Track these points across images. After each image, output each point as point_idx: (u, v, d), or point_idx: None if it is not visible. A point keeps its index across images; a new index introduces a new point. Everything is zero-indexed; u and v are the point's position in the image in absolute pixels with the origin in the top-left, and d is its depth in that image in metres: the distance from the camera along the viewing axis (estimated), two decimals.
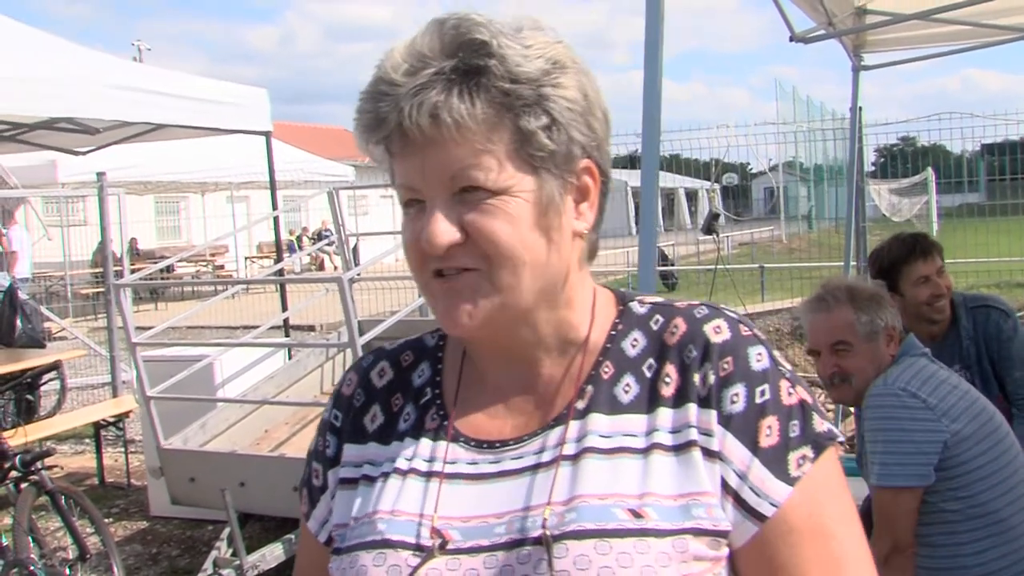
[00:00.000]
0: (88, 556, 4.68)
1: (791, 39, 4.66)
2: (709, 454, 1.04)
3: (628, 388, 1.09)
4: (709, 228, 9.12)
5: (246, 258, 25.09)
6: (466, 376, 1.18)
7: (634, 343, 1.12)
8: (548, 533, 1.00)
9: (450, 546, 1.04)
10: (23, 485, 4.45)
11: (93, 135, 7.74)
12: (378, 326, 5.25)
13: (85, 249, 18.60)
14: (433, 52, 1.02)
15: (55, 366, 6.41)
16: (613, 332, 1.14)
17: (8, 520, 4.40)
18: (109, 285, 8.92)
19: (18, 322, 8.49)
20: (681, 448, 1.04)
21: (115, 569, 4.77)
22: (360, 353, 4.77)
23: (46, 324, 9.60)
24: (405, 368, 1.23)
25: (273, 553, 4.81)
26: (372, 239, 8.12)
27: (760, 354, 1.07)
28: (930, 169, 20.91)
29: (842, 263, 6.94)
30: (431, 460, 1.12)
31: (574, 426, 1.08)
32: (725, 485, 1.03)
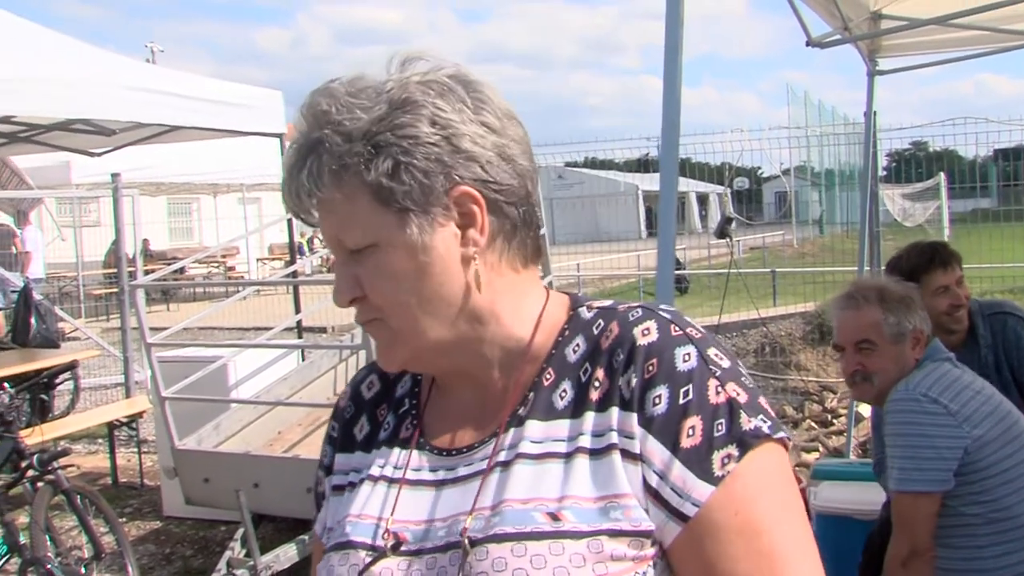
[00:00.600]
0: (103, 555, 4.70)
1: (807, 43, 4.65)
2: (630, 456, 1.04)
3: (564, 394, 1.12)
4: (722, 232, 9.11)
5: (257, 260, 25.14)
6: (435, 388, 1.24)
7: (576, 349, 1.14)
8: (466, 538, 1.05)
9: (403, 547, 1.10)
10: (40, 484, 4.48)
11: (108, 136, 7.79)
12: None
13: (97, 250, 18.68)
14: (302, 132, 1.09)
15: (72, 366, 6.46)
16: (559, 338, 1.16)
17: (25, 518, 4.42)
18: (123, 286, 8.96)
19: (33, 322, 8.54)
20: (602, 452, 1.06)
21: (129, 568, 4.79)
22: (374, 355, 4.79)
23: (59, 324, 9.63)
24: (392, 380, 1.29)
25: (287, 554, 4.82)
26: None
27: (688, 354, 1.07)
28: (942, 174, 20.84)
29: (854, 267, 6.93)
30: (399, 467, 1.18)
31: (511, 433, 1.11)
32: (647, 486, 1.04)
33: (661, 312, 1.13)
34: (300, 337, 8.33)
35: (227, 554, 4.81)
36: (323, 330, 14.56)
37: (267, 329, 8.81)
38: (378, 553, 1.10)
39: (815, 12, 4.69)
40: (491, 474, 1.10)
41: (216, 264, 23.44)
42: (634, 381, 1.07)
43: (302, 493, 5.01)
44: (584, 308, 1.18)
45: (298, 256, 10.58)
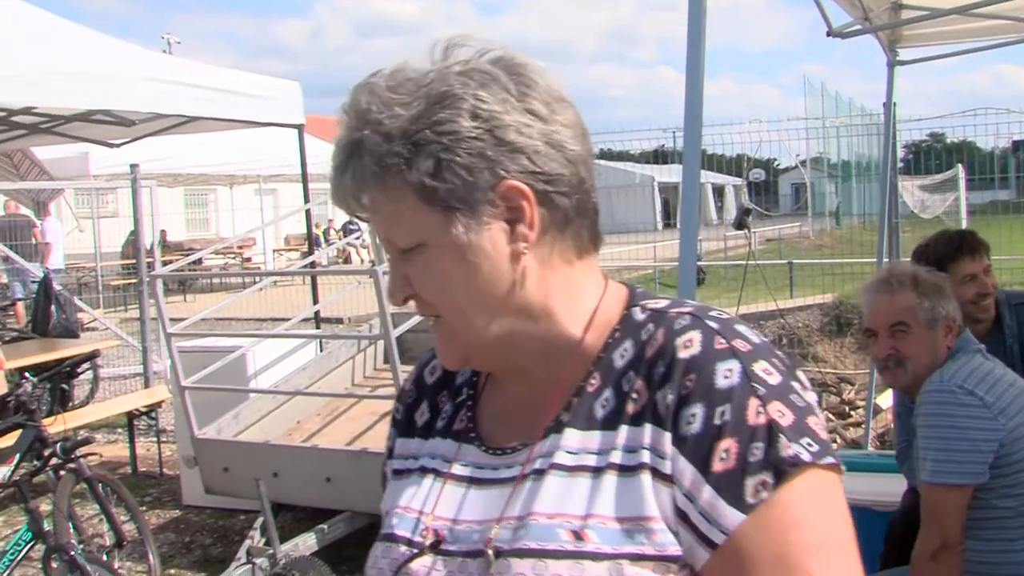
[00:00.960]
0: (124, 543, 4.74)
1: (828, 34, 4.64)
2: (662, 477, 1.00)
3: (607, 403, 1.07)
4: (741, 223, 9.08)
5: (274, 251, 25.23)
6: (489, 380, 1.21)
7: (623, 354, 1.09)
8: (490, 549, 1.03)
9: (442, 546, 1.09)
10: (62, 472, 4.51)
11: (128, 127, 7.83)
12: (411, 319, 5.28)
13: (115, 241, 18.77)
14: (346, 130, 1.07)
15: (94, 355, 6.52)
16: (609, 340, 1.11)
17: (47, 506, 4.46)
18: (142, 276, 9.01)
19: (53, 312, 8.60)
20: (632, 470, 1.01)
21: (150, 556, 4.83)
22: (394, 345, 4.81)
23: (78, 315, 9.69)
24: None
25: (306, 543, 4.85)
26: None
27: (729, 370, 1.01)
28: (960, 165, 20.72)
29: (871, 259, 6.91)
30: (448, 460, 1.17)
31: (549, 440, 1.08)
32: (676, 508, 0.99)
33: (708, 321, 1.06)
34: (318, 327, 8.36)
35: (247, 543, 4.84)
36: (339, 321, 14.59)
37: (284, 320, 8.86)
38: (416, 550, 1.09)
39: (836, 2, 4.67)
40: (524, 482, 1.07)
41: (233, 255, 23.53)
42: (670, 397, 1.01)
43: (321, 482, 5.05)
44: (638, 308, 1.12)
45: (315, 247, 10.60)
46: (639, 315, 1.11)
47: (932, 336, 2.71)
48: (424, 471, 1.18)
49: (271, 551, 4.66)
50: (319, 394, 5.99)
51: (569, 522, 1.01)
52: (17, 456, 4.58)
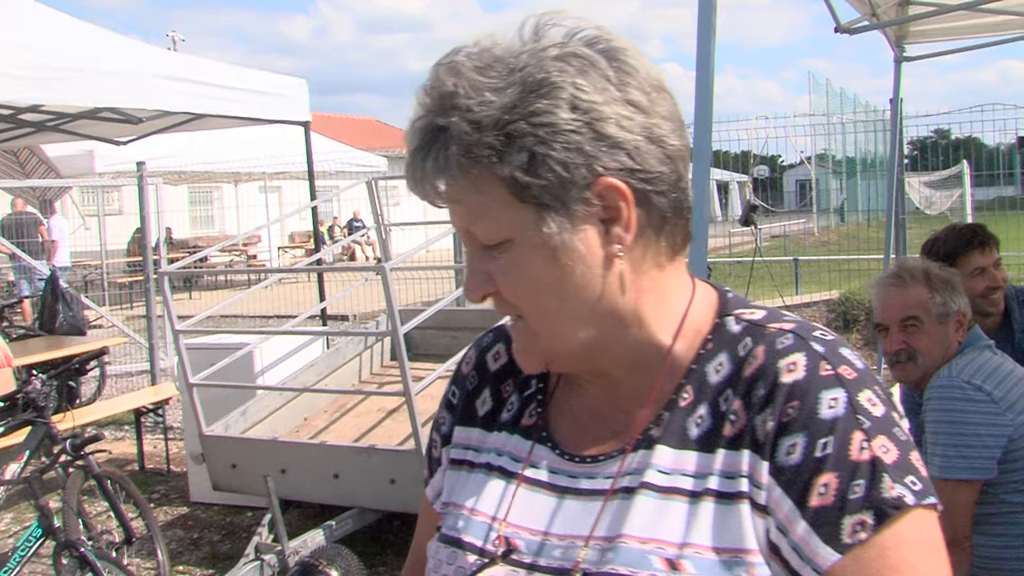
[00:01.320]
0: (133, 539, 4.75)
1: (836, 30, 4.64)
2: (758, 508, 0.95)
3: (700, 421, 1.01)
4: (747, 220, 9.07)
5: (278, 248, 25.25)
6: (568, 377, 1.13)
7: (718, 368, 1.02)
8: (579, 572, 0.97)
9: (514, 556, 1.03)
10: (71, 469, 4.52)
11: (135, 125, 7.83)
12: (419, 315, 5.29)
13: (120, 238, 18.81)
14: (424, 111, 0.99)
15: (102, 352, 6.52)
16: (701, 351, 1.04)
17: (57, 503, 4.47)
18: (148, 274, 9.03)
19: (60, 310, 8.62)
20: (731, 498, 0.96)
21: (159, 553, 4.84)
22: (402, 342, 4.82)
23: (84, 312, 9.72)
24: None
25: (314, 539, 4.86)
26: (399, 229, 8.19)
27: (835, 400, 0.94)
28: (965, 162, 20.69)
29: (877, 255, 6.89)
30: (517, 460, 1.10)
31: (638, 455, 1.02)
32: (769, 541, 0.94)
33: (813, 343, 0.99)
34: (324, 325, 8.37)
35: (255, 539, 4.86)
36: (345, 318, 14.62)
37: (289, 317, 8.87)
38: (487, 559, 1.03)
39: None
40: (612, 499, 1.00)
41: (238, 252, 23.56)
42: (770, 424, 0.95)
43: (329, 479, 5.07)
44: (732, 318, 1.05)
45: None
46: (734, 326, 1.05)
47: (943, 331, 2.71)
48: (491, 468, 1.11)
49: (279, 547, 4.67)
50: (326, 391, 6.00)
51: (663, 549, 0.95)
52: (27, 453, 4.60)
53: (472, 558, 1.04)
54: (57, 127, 8.19)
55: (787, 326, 1.02)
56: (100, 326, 12.11)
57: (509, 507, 1.06)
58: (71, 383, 7.90)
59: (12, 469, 4.55)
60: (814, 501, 0.92)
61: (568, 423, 1.10)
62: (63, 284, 9.15)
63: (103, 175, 14.32)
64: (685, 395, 1.02)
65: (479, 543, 1.05)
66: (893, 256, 6.65)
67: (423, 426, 4.80)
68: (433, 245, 5.90)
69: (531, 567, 1.01)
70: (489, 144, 0.94)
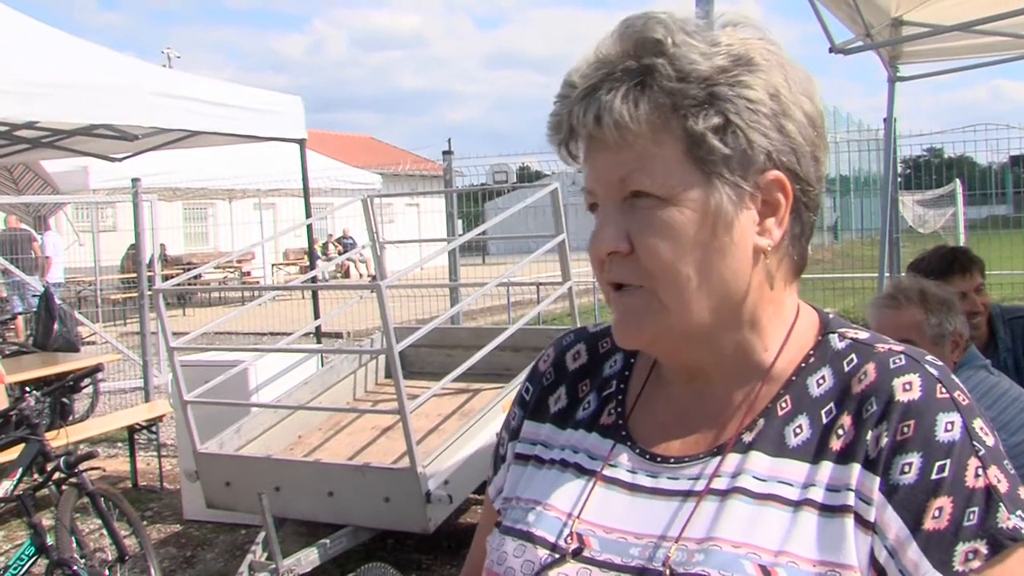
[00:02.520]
0: (127, 557, 4.72)
1: (831, 50, 4.67)
2: (863, 523, 0.93)
3: (799, 430, 1.00)
4: None
5: (272, 265, 25.25)
6: (652, 378, 1.13)
7: (820, 381, 1.02)
8: (668, 572, 0.96)
9: (585, 553, 1.02)
10: (64, 486, 4.50)
11: (131, 142, 7.85)
12: (413, 334, 5.28)
13: (114, 255, 18.79)
14: (612, 54, 0.98)
15: (97, 369, 6.48)
16: (803, 364, 1.04)
17: (50, 520, 4.45)
18: (143, 290, 9.02)
19: (55, 326, 8.60)
20: (834, 510, 0.94)
21: (152, 571, 4.81)
22: (397, 360, 4.81)
23: (78, 328, 9.69)
24: (601, 355, 1.20)
25: (308, 557, 4.84)
26: (393, 247, 8.20)
27: (951, 423, 0.94)
28: (958, 180, 20.76)
29: (871, 273, 6.91)
30: (595, 458, 1.09)
31: (733, 460, 1.01)
32: (873, 560, 0.93)
33: (927, 366, 0.98)
34: (319, 342, 8.36)
35: (248, 557, 4.83)
36: (339, 335, 14.60)
37: (283, 334, 8.86)
38: (559, 555, 1.02)
39: (838, 19, 4.70)
40: (704, 501, 0.99)
41: (232, 269, 23.54)
42: (884, 440, 0.94)
43: (323, 496, 5.05)
44: (836, 335, 1.05)
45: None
46: (837, 343, 1.05)
47: (939, 352, 2.70)
48: (565, 465, 1.10)
49: (273, 566, 4.65)
50: (321, 408, 5.99)
51: (758, 555, 0.93)
52: (20, 470, 4.58)
53: (542, 552, 1.04)
54: (52, 143, 8.21)
55: (897, 347, 1.02)
56: (94, 343, 12.07)
57: (584, 504, 1.05)
58: (65, 400, 7.87)
59: (5, 486, 4.52)
60: (928, 524, 0.92)
61: (649, 423, 1.10)
62: (57, 300, 9.13)
63: (98, 191, 14.33)
64: (783, 405, 1.02)
65: (551, 538, 1.04)
66: (887, 274, 6.67)
67: (418, 444, 4.79)
68: (428, 263, 5.90)
69: (603, 564, 1.01)
70: (693, 96, 0.94)
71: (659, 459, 1.06)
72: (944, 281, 3.36)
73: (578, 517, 1.05)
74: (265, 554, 4.81)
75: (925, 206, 25.89)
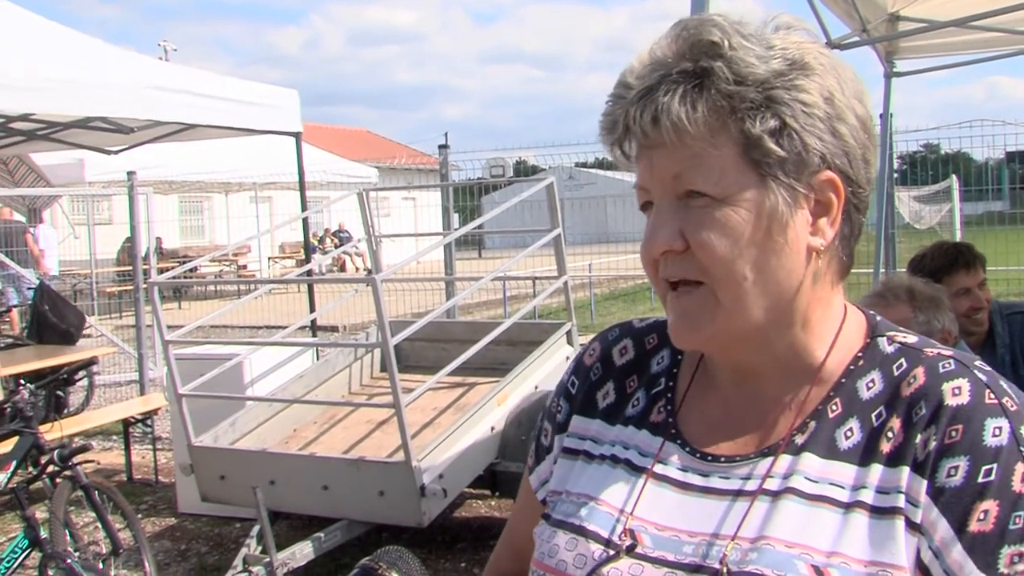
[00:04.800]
0: (121, 551, 4.72)
1: (827, 45, 4.67)
2: (911, 525, 0.95)
3: (850, 433, 1.01)
4: None
5: (269, 258, 25.22)
6: (700, 375, 1.15)
7: (870, 385, 1.03)
8: (726, 569, 0.97)
9: (638, 549, 1.03)
10: (59, 480, 4.50)
11: (127, 134, 7.83)
12: (409, 328, 5.28)
13: (109, 248, 18.75)
14: (668, 55, 1.00)
15: (91, 362, 6.51)
16: (852, 366, 1.05)
17: (44, 513, 4.45)
18: (138, 284, 9.00)
19: (49, 319, 8.57)
20: (884, 512, 0.96)
21: (147, 564, 4.81)
22: (392, 354, 4.81)
23: (76, 318, 9.66)
24: (648, 351, 1.21)
25: (303, 551, 4.84)
26: (389, 240, 8.19)
27: (999, 428, 0.95)
28: (954, 176, 20.79)
29: (866, 269, 6.91)
30: (645, 455, 1.11)
31: (784, 460, 1.02)
32: (919, 561, 0.94)
33: (976, 371, 1.00)
34: (314, 336, 8.35)
35: (243, 551, 4.83)
36: (334, 329, 14.60)
37: (279, 327, 8.85)
38: (613, 552, 1.04)
39: (834, 14, 4.70)
40: (756, 501, 1.00)
41: (228, 263, 23.52)
42: (932, 444, 0.96)
43: (318, 490, 5.05)
44: (884, 339, 1.07)
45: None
46: (886, 346, 1.06)
47: None
48: (616, 461, 1.12)
49: (267, 559, 4.65)
50: (316, 402, 5.99)
51: (810, 556, 0.95)
52: (14, 463, 4.58)
53: (596, 547, 1.05)
54: (48, 136, 8.19)
55: (946, 352, 1.03)
56: (89, 335, 12.05)
57: (637, 501, 1.07)
58: (59, 393, 7.85)
59: None
60: (973, 526, 0.93)
61: (698, 422, 1.11)
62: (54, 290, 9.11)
63: (93, 184, 14.29)
64: (834, 407, 1.03)
65: (604, 534, 1.06)
66: (883, 270, 6.67)
67: (412, 438, 4.79)
68: (424, 257, 5.90)
69: (655, 561, 1.02)
70: (750, 99, 0.96)
71: (709, 458, 1.07)
72: (948, 277, 3.35)
73: (631, 514, 1.06)
74: (260, 548, 4.81)
75: (921, 202, 25.92)
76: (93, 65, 6.28)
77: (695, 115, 0.96)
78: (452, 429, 5.11)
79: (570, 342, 6.22)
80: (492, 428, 5.41)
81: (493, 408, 5.43)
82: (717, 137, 0.97)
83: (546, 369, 5.89)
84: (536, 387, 5.75)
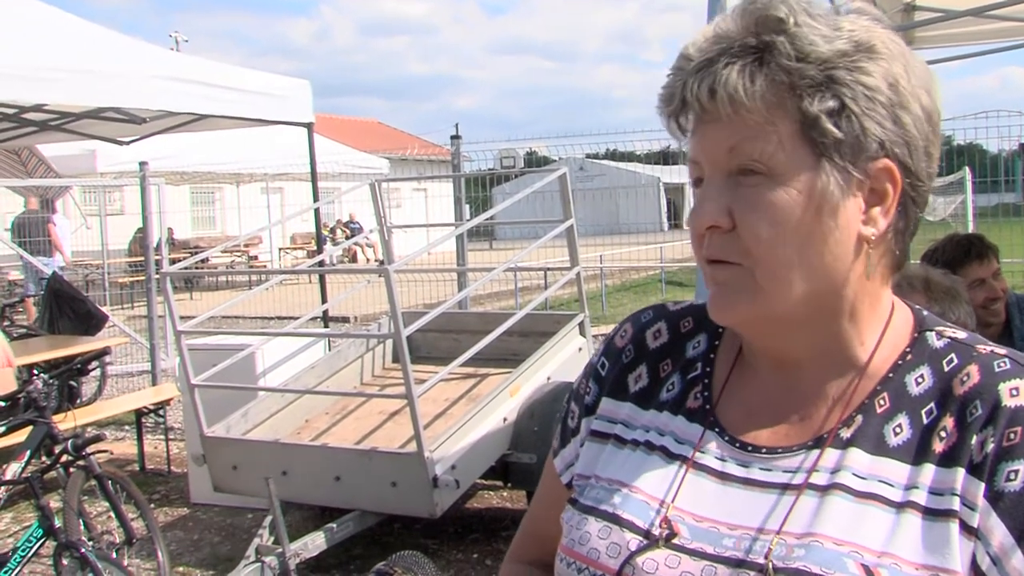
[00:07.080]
0: (134, 540, 4.74)
1: None
2: (967, 529, 0.92)
3: (899, 430, 0.98)
4: None
5: (280, 249, 25.25)
6: (740, 362, 1.11)
7: (919, 380, 1.01)
8: (771, 565, 0.94)
9: (676, 540, 1.00)
10: (72, 469, 4.51)
11: (139, 125, 7.85)
12: (421, 318, 5.28)
13: (121, 238, 18.79)
14: (732, 30, 0.98)
15: (104, 352, 6.50)
16: (899, 361, 1.02)
17: (58, 503, 4.46)
18: (150, 274, 9.02)
19: (63, 309, 8.61)
20: (938, 514, 0.93)
21: (159, 554, 4.83)
22: (404, 344, 4.81)
23: (92, 308, 9.69)
24: (682, 334, 1.18)
25: (315, 541, 4.85)
26: (401, 231, 8.18)
27: None
28: (967, 168, 20.68)
29: None
30: (682, 443, 1.08)
31: (831, 455, 0.99)
32: (975, 566, 0.91)
33: None
34: (326, 326, 8.36)
35: (255, 541, 4.85)
36: (346, 319, 14.61)
37: (290, 318, 8.87)
38: (651, 542, 1.01)
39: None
40: (803, 495, 0.98)
41: (239, 253, 23.56)
42: (990, 446, 0.93)
43: (330, 481, 5.06)
44: (933, 333, 1.04)
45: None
46: (935, 341, 1.04)
47: None
48: (651, 447, 1.09)
49: (280, 549, 4.67)
50: (328, 393, 5.99)
51: (860, 554, 0.92)
52: (28, 453, 4.59)
53: (631, 537, 1.02)
54: (60, 127, 8.21)
55: (1000, 350, 1.01)
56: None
57: (676, 492, 1.04)
58: (72, 383, 7.89)
59: (13, 469, 4.53)
60: None
61: (736, 410, 1.08)
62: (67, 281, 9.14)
63: (105, 175, 14.31)
64: (881, 402, 1.01)
65: (639, 523, 1.03)
66: None
67: (425, 429, 4.80)
68: (435, 248, 5.90)
69: (693, 552, 0.99)
70: (810, 76, 0.94)
71: (749, 448, 1.04)
72: (962, 268, 3.32)
73: (671, 504, 1.03)
74: (272, 538, 4.82)
75: (934, 193, 25.66)
76: (106, 56, 6.29)
77: (752, 88, 0.94)
78: (464, 420, 5.11)
79: (582, 333, 6.22)
80: (504, 419, 5.41)
81: (505, 399, 5.43)
82: (774, 113, 0.95)
83: (558, 360, 5.89)
84: (548, 378, 5.74)
